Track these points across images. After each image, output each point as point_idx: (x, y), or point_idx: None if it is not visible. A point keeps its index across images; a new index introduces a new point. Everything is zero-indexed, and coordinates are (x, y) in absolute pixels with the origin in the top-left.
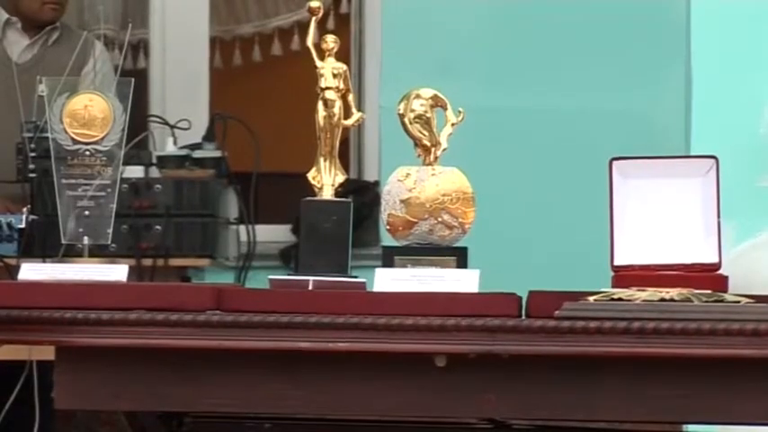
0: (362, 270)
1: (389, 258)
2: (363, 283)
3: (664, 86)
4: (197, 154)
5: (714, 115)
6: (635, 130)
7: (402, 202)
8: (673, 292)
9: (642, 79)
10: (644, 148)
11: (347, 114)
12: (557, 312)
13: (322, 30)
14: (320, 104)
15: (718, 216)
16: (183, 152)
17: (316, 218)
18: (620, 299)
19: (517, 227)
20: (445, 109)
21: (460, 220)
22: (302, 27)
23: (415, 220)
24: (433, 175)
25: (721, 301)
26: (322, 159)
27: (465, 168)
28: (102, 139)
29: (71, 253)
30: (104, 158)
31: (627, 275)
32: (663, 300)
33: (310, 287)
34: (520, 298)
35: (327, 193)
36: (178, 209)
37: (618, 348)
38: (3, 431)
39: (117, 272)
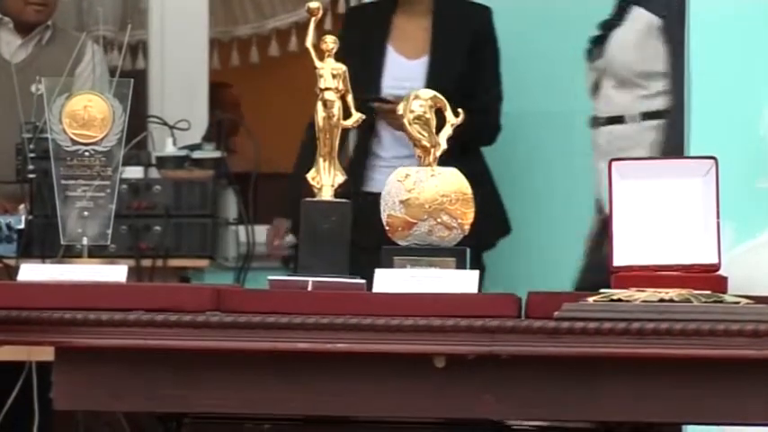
0: None
1: (389, 259)
2: (363, 283)
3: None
4: (196, 154)
5: (713, 116)
6: None
7: (401, 202)
8: (672, 293)
9: None
10: None
11: (346, 115)
12: (556, 313)
13: (320, 30)
14: (319, 105)
15: (718, 217)
16: (183, 153)
17: (315, 218)
18: (619, 300)
19: (516, 228)
20: (444, 110)
21: (460, 220)
22: (300, 28)
23: (415, 221)
24: (432, 175)
25: (721, 301)
26: (321, 160)
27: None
28: (102, 139)
29: (70, 254)
30: (104, 159)
31: (626, 276)
32: (662, 300)
33: (309, 288)
34: (519, 299)
35: (327, 194)
36: (177, 209)
37: (617, 349)
38: None
39: (116, 272)
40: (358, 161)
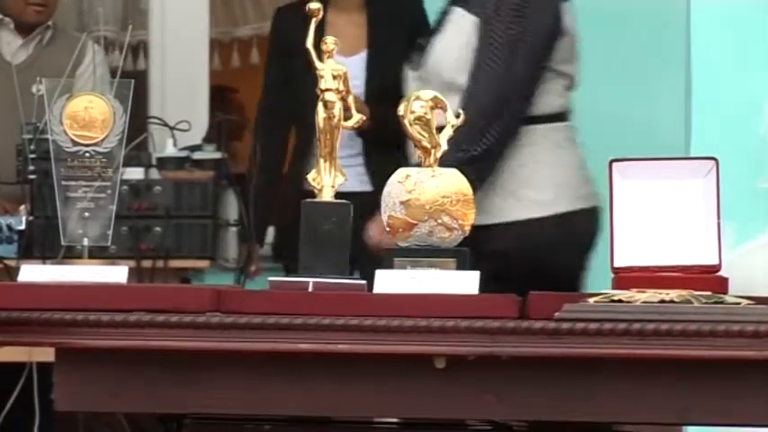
0: None
1: (389, 260)
2: (363, 284)
3: (663, 88)
4: (197, 155)
5: (714, 116)
6: (635, 131)
7: (402, 203)
8: (672, 294)
9: (642, 81)
10: (644, 149)
11: (347, 116)
12: (556, 314)
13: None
14: (320, 106)
15: (718, 217)
16: (183, 154)
17: (316, 219)
18: (619, 300)
19: None
20: (445, 111)
21: (460, 221)
22: None
23: (415, 222)
24: (432, 176)
25: (721, 302)
26: (322, 161)
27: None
28: (102, 140)
29: (71, 254)
30: (104, 160)
31: (627, 277)
32: (663, 301)
33: (310, 289)
34: (520, 299)
35: (327, 195)
36: (178, 210)
37: (617, 350)
38: None
39: (117, 273)
40: (299, 162)
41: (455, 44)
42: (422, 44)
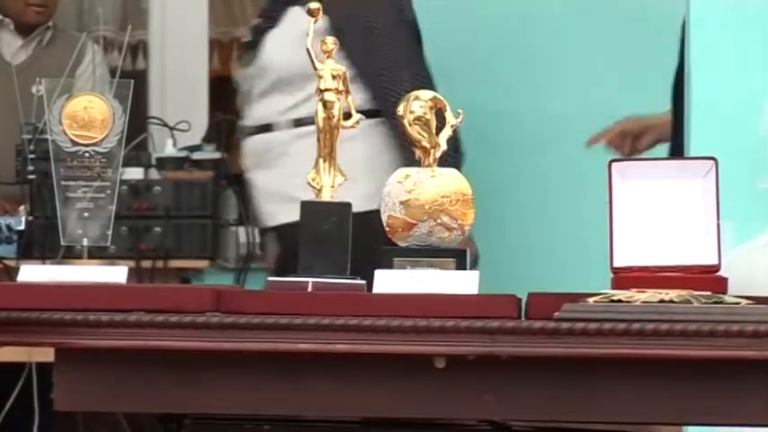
0: None
1: (388, 260)
2: (363, 284)
3: (663, 87)
4: (196, 156)
5: (713, 116)
6: None
7: (401, 203)
8: (672, 294)
9: (640, 80)
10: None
11: (346, 116)
12: (556, 314)
13: None
14: (319, 106)
15: (718, 217)
16: (183, 154)
17: (315, 220)
18: (619, 300)
19: (516, 229)
20: (444, 111)
21: (460, 221)
22: None
23: (415, 222)
24: (432, 176)
25: (721, 302)
26: (321, 161)
27: (464, 170)
28: (102, 140)
29: (70, 254)
30: (104, 160)
31: (626, 277)
32: (662, 301)
33: (309, 289)
34: (519, 299)
35: (326, 195)
36: (177, 210)
37: (617, 350)
38: None
39: (116, 273)
40: None
41: (290, 44)
42: (249, 42)
